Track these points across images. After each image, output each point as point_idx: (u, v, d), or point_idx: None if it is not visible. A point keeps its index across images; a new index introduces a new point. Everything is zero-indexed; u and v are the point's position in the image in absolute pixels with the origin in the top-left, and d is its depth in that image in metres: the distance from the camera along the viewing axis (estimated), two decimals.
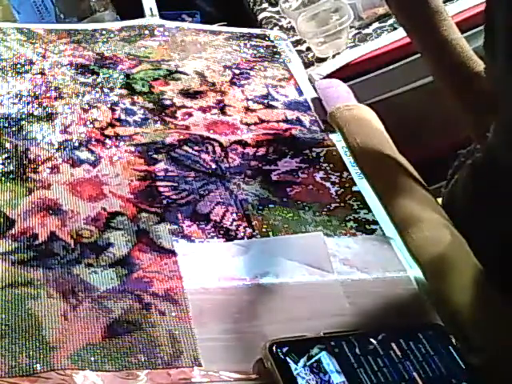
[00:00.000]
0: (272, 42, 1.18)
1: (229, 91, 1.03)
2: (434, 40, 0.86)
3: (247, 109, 1.00)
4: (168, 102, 0.99)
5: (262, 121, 0.98)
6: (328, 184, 0.88)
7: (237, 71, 1.08)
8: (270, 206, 0.84)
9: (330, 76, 1.17)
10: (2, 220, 0.76)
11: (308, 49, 1.28)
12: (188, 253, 0.76)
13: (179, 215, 0.80)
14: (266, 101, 1.02)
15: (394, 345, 0.66)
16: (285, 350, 0.64)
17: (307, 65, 1.24)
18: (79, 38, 1.11)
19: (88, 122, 0.93)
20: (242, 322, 0.69)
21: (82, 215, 0.79)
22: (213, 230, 0.79)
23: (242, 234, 0.79)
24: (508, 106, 0.73)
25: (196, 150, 0.90)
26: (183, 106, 0.98)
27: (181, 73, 1.06)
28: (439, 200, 0.88)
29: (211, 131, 0.94)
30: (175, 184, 0.85)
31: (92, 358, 0.64)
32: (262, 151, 0.92)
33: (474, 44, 0.87)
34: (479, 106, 0.84)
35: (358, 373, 0.63)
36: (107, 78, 1.02)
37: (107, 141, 0.90)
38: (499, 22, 0.71)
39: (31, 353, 0.63)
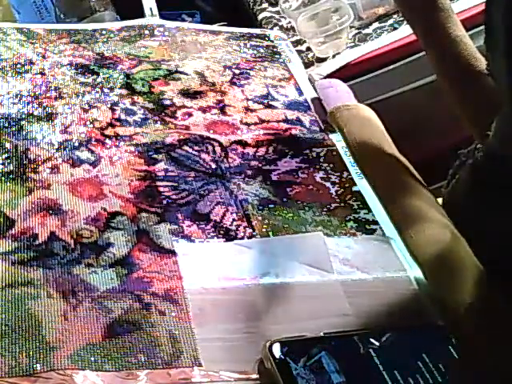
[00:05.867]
0: (272, 41, 1.18)
1: (229, 91, 1.03)
2: (438, 37, 0.86)
3: (247, 109, 1.00)
4: (168, 102, 0.99)
5: (262, 121, 0.98)
6: (328, 184, 0.88)
7: (237, 71, 1.08)
8: (270, 206, 0.84)
9: (330, 76, 1.17)
10: (1, 220, 0.76)
11: (308, 49, 1.28)
12: (188, 253, 0.76)
13: (179, 215, 0.80)
14: (266, 101, 1.02)
15: (394, 345, 0.66)
16: (285, 350, 0.63)
17: (307, 65, 1.24)
18: (79, 38, 1.11)
19: (88, 122, 0.93)
20: (242, 322, 0.69)
21: (82, 215, 0.79)
22: (213, 230, 0.79)
23: (242, 234, 0.79)
24: (508, 104, 0.73)
25: (196, 150, 0.90)
26: (183, 106, 0.98)
27: (181, 73, 1.06)
28: (439, 200, 0.88)
29: (211, 131, 0.94)
30: (175, 184, 0.85)
31: (92, 358, 0.64)
32: (261, 151, 0.92)
33: (478, 42, 0.87)
34: (481, 104, 0.84)
35: (358, 373, 0.63)
36: (107, 78, 1.02)
37: (107, 141, 0.90)
38: (498, 22, 0.71)
39: (31, 353, 0.63)
